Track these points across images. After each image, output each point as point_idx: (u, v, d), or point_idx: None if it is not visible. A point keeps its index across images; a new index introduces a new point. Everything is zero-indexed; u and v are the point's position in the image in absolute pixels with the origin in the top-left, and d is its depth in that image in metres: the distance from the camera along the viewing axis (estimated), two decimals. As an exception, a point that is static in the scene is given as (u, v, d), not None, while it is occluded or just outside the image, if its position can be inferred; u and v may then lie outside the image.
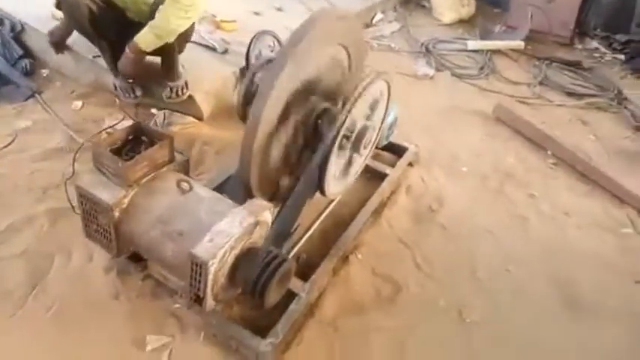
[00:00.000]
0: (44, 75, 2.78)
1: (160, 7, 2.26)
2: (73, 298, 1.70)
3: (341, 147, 1.82)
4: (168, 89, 2.54)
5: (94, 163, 1.55)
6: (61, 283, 1.74)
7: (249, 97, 1.97)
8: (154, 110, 2.66)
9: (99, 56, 2.67)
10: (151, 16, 2.32)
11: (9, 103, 2.56)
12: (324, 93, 1.88)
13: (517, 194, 2.64)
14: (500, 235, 2.35)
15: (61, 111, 2.55)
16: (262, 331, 1.66)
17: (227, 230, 1.48)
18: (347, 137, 1.81)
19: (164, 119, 2.55)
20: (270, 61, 1.96)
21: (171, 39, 2.32)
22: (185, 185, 1.58)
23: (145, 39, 2.28)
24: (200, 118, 2.70)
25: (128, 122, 2.43)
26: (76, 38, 2.68)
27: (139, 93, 2.59)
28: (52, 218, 1.95)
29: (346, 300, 1.91)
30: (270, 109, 1.60)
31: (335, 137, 1.70)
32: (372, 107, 1.92)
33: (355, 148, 1.86)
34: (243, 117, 2.02)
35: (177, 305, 1.71)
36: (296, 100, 1.72)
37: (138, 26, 2.36)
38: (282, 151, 1.83)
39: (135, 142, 1.65)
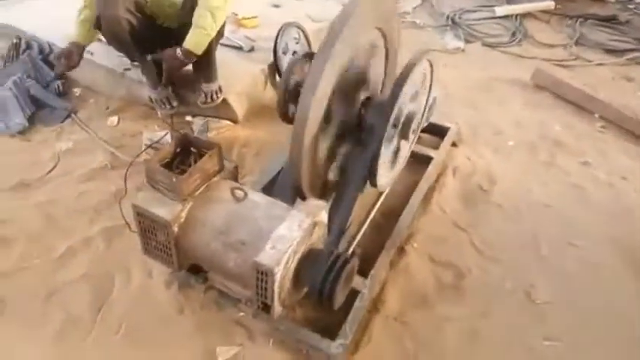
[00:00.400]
0: (77, 94, 2.79)
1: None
2: (139, 316, 1.70)
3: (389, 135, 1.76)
4: (203, 95, 2.50)
5: (147, 180, 1.54)
6: (126, 303, 1.74)
7: (289, 94, 1.92)
8: (188, 118, 2.64)
9: (129, 69, 2.67)
10: (178, 20, 2.31)
11: (47, 126, 2.58)
12: (362, 80, 1.82)
13: (569, 163, 2.53)
14: (559, 207, 2.26)
15: (99, 128, 2.55)
16: (329, 332, 1.64)
17: (288, 235, 1.45)
18: (395, 124, 1.75)
19: (205, 126, 2.53)
20: (306, 55, 1.91)
21: (216, 30, 2.26)
22: (239, 193, 1.55)
23: (195, 41, 2.22)
24: (235, 121, 2.67)
25: (163, 132, 2.50)
26: (102, 52, 2.68)
27: (175, 103, 2.57)
28: (107, 238, 1.95)
29: (409, 292, 1.87)
30: (317, 104, 1.55)
31: (386, 126, 1.63)
32: (417, 90, 1.85)
33: (404, 134, 1.79)
34: (284, 115, 1.98)
35: (242, 314, 1.70)
36: (339, 91, 1.66)
37: (169, 33, 2.35)
38: (328, 145, 1.78)
39: (183, 155, 1.63)
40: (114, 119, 2.64)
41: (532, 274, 1.94)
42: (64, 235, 1.96)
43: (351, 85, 1.75)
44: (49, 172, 2.29)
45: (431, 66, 1.88)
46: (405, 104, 1.72)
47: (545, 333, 1.73)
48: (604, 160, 2.54)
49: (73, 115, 2.64)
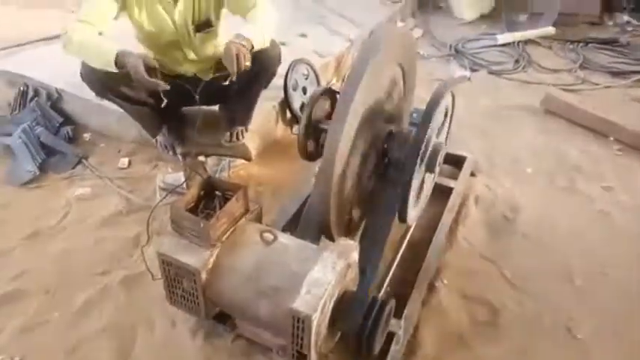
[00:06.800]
0: (87, 139, 2.76)
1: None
2: (165, 370, 1.62)
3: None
4: (228, 134, 2.46)
5: (173, 226, 1.48)
6: (150, 356, 1.66)
7: (309, 131, 1.89)
8: (201, 158, 2.60)
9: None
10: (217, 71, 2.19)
11: (58, 172, 2.54)
12: (384, 115, 1.80)
13: (591, 188, 2.48)
14: (586, 235, 2.20)
15: (111, 173, 2.51)
16: (366, 379, 1.55)
17: (322, 278, 1.39)
18: (422, 158, 1.71)
19: (226, 166, 2.51)
20: (326, 91, 1.89)
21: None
22: (268, 236, 1.49)
23: (250, 31, 2.03)
24: (249, 159, 2.64)
25: (176, 174, 2.46)
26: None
27: (179, 150, 2.52)
28: (126, 287, 1.88)
29: (443, 331, 1.79)
30: (344, 142, 1.51)
31: (416, 160, 1.59)
32: (442, 122, 1.82)
33: (430, 167, 1.76)
34: (305, 151, 1.94)
35: (273, 363, 1.62)
36: (363, 127, 1.63)
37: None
38: (353, 182, 1.74)
39: (207, 198, 1.58)
40: (125, 160, 2.60)
41: (569, 307, 1.86)
42: (81, 286, 1.89)
43: (375, 119, 1.72)
44: (62, 219, 2.23)
45: (453, 99, 1.86)
46: (432, 137, 1.68)
47: (592, 371, 1.65)
48: (626, 184, 2.50)
49: (84, 160, 2.61)
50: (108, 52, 1.94)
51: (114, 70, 1.95)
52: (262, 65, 2.19)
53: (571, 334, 1.76)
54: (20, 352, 1.66)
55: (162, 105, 2.02)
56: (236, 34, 2.01)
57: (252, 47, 2.01)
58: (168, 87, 1.96)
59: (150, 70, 1.92)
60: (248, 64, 1.96)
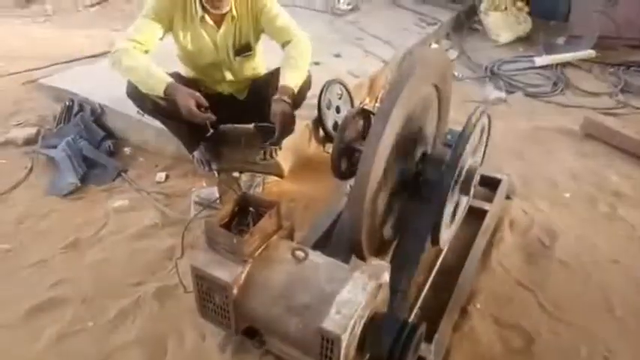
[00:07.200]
0: (127, 153, 2.85)
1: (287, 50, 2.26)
2: (194, 383, 1.63)
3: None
4: (262, 152, 2.51)
5: (207, 241, 1.51)
6: (180, 368, 1.68)
7: (342, 150, 1.90)
8: (235, 174, 2.64)
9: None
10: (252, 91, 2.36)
11: (98, 185, 2.62)
12: (419, 135, 1.79)
13: (633, 215, 2.40)
14: (628, 263, 2.12)
15: (148, 187, 2.58)
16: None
17: (353, 299, 1.39)
18: (456, 180, 1.69)
19: (260, 182, 2.55)
20: (361, 111, 1.90)
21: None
22: (300, 254, 1.50)
23: (293, 79, 2.16)
24: (281, 176, 2.66)
25: (210, 189, 2.50)
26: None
27: (214, 166, 2.60)
28: (159, 298, 1.91)
29: (475, 357, 1.74)
30: (378, 162, 1.51)
31: (450, 183, 1.58)
32: (477, 144, 1.80)
33: (465, 189, 1.74)
34: (337, 170, 1.95)
35: (300, 381, 1.60)
36: (398, 147, 1.63)
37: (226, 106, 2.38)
38: (385, 202, 1.73)
39: (241, 214, 1.60)
40: (162, 175, 2.67)
41: (608, 339, 1.79)
42: (116, 295, 1.93)
43: (408, 140, 1.72)
44: (100, 230, 2.30)
45: (489, 121, 1.84)
46: (467, 160, 1.67)
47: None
48: (669, 211, 2.41)
49: (123, 173, 2.69)
50: (157, 82, 2.08)
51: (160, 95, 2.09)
52: None
53: (610, 366, 1.69)
54: (55, 359, 1.70)
55: (208, 134, 2.15)
56: (281, 86, 2.13)
57: (294, 93, 2.14)
58: (214, 118, 2.08)
59: (199, 106, 2.06)
60: (293, 127, 2.17)
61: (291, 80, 2.15)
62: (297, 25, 2.32)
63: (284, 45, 2.29)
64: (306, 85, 2.37)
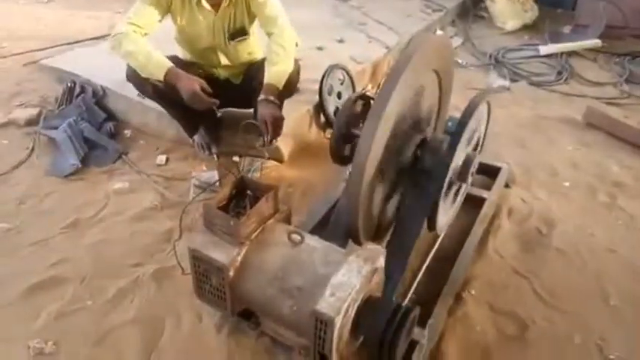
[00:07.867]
0: (128, 135, 2.85)
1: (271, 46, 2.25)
2: (189, 362, 1.65)
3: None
4: (262, 138, 2.52)
5: (205, 223, 1.52)
6: (176, 347, 1.70)
7: (342, 136, 1.90)
8: (235, 158, 2.65)
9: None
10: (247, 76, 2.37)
11: (99, 166, 2.63)
12: (418, 122, 1.79)
13: (632, 205, 2.40)
14: (625, 253, 2.13)
15: (148, 169, 2.59)
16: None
17: (347, 282, 1.40)
18: (454, 167, 1.69)
19: (258, 166, 2.56)
20: (361, 97, 1.90)
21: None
22: (296, 237, 1.51)
23: (277, 74, 2.18)
24: (281, 161, 2.67)
25: (210, 173, 2.51)
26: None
27: (214, 150, 2.62)
28: (157, 279, 1.93)
29: (469, 343, 1.76)
30: (375, 147, 1.51)
31: (447, 170, 1.58)
32: (476, 132, 1.80)
33: (462, 177, 1.74)
34: (337, 155, 1.96)
35: (295, 363, 1.63)
36: (396, 133, 1.63)
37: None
38: (383, 188, 1.74)
39: (238, 197, 1.61)
40: (162, 157, 2.67)
41: (602, 326, 1.80)
42: (115, 276, 1.95)
43: (407, 127, 1.71)
44: (100, 211, 2.32)
45: (489, 108, 1.84)
46: (465, 146, 1.67)
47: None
48: (669, 203, 2.41)
49: (123, 155, 2.70)
50: (156, 66, 2.11)
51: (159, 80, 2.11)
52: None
53: (602, 354, 1.71)
54: (54, 336, 1.73)
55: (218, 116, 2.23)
56: (265, 84, 2.14)
57: (278, 89, 2.15)
58: (218, 102, 2.13)
59: (203, 90, 2.09)
60: (281, 131, 2.19)
61: (274, 77, 2.16)
62: (287, 20, 2.30)
63: (269, 35, 2.29)
64: (295, 77, 2.36)
